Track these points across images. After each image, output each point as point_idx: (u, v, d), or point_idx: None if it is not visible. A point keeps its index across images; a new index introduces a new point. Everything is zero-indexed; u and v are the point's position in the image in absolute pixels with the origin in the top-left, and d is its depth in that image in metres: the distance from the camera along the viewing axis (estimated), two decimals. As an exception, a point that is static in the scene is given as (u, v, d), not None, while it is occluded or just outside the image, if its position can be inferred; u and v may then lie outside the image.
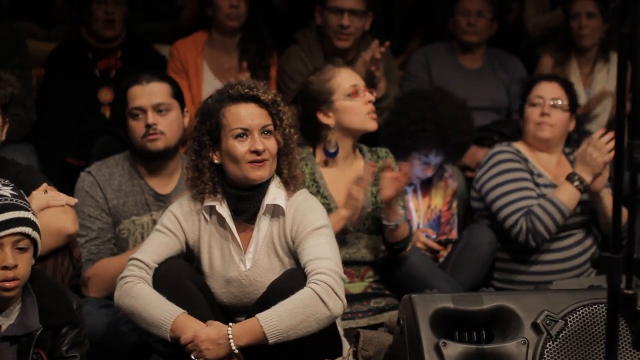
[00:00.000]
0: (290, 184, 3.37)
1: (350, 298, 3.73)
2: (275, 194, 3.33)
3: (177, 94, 3.86)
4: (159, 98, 3.77)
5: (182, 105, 3.88)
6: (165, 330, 3.11)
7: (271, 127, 3.31)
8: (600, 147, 4.12)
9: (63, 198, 3.37)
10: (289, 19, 5.52)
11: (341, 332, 3.40)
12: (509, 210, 4.23)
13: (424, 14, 5.92)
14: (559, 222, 4.19)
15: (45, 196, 3.34)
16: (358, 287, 3.90)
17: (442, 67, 5.23)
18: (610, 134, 4.14)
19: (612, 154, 4.07)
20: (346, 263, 3.72)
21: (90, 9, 4.73)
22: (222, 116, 3.29)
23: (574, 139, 4.52)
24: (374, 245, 3.91)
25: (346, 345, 3.38)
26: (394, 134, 4.32)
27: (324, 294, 3.08)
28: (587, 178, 4.17)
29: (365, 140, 4.05)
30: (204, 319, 3.13)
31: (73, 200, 3.41)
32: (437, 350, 2.95)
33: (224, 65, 4.91)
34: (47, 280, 3.04)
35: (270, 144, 3.29)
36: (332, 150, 3.86)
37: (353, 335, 3.47)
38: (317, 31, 5.00)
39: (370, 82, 4.43)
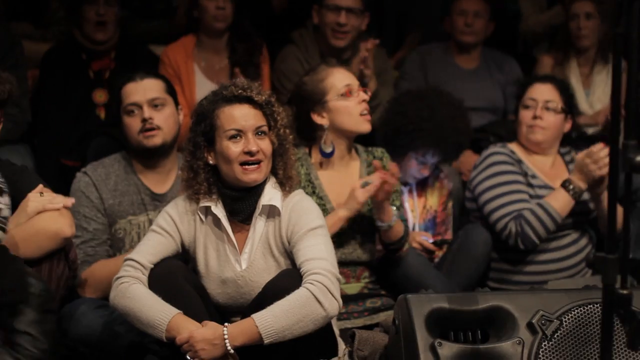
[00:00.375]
0: (286, 185, 3.37)
1: (346, 298, 3.73)
2: (270, 194, 3.33)
3: (171, 91, 3.88)
4: (154, 93, 3.79)
5: (176, 102, 3.89)
6: (161, 331, 3.11)
7: (265, 128, 3.31)
8: (597, 160, 4.12)
9: (60, 200, 3.37)
10: (285, 19, 5.52)
11: (337, 332, 3.40)
12: (500, 214, 4.24)
13: (419, 13, 5.93)
14: (549, 228, 4.19)
15: (41, 199, 3.34)
16: (354, 288, 3.90)
17: (438, 67, 5.24)
18: (607, 150, 4.13)
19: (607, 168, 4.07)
20: (342, 263, 3.72)
21: (81, 10, 4.72)
22: (216, 117, 3.29)
23: (573, 138, 4.52)
24: (370, 245, 3.91)
25: (342, 346, 3.39)
26: (391, 134, 4.32)
27: (320, 294, 3.08)
28: (582, 185, 4.17)
29: (362, 140, 4.05)
30: (199, 320, 3.13)
31: (70, 201, 3.41)
32: (433, 350, 2.95)
33: (214, 67, 4.91)
34: (8, 261, 3.05)
35: (264, 145, 3.29)
36: (328, 151, 3.86)
37: (349, 335, 3.48)
38: (313, 31, 5.01)
39: (361, 82, 4.44)
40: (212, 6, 4.84)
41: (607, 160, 4.10)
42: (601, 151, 4.12)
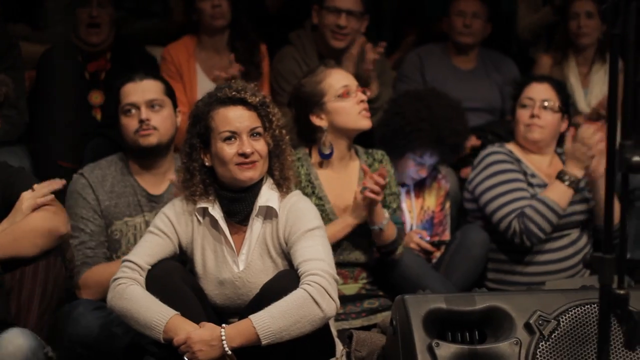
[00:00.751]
0: (283, 186, 3.37)
1: (344, 299, 3.73)
2: (267, 195, 3.34)
3: (170, 93, 3.88)
4: (152, 94, 3.79)
5: (175, 105, 3.89)
6: (159, 332, 3.11)
7: (260, 129, 3.31)
8: (587, 141, 4.15)
9: (47, 186, 3.37)
10: (282, 19, 5.52)
11: (334, 333, 3.40)
12: (503, 213, 4.24)
13: (416, 14, 5.93)
14: (552, 221, 4.19)
15: (33, 195, 3.34)
16: (352, 289, 3.90)
17: (435, 68, 5.24)
18: (595, 127, 4.16)
19: (602, 144, 4.11)
20: (340, 265, 3.73)
21: (75, 12, 4.72)
22: (211, 119, 3.30)
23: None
24: (368, 247, 3.91)
25: (339, 346, 3.39)
26: (389, 135, 4.32)
27: (317, 295, 3.08)
28: (578, 174, 4.19)
29: (360, 142, 4.05)
30: (197, 321, 3.13)
31: (60, 183, 3.42)
32: (430, 350, 2.95)
33: (216, 66, 4.91)
34: None
35: (259, 146, 3.29)
36: (326, 152, 3.87)
37: (346, 336, 3.48)
38: (311, 32, 5.01)
39: (364, 83, 4.44)
40: (208, 6, 4.85)
41: (595, 137, 4.13)
42: (586, 131, 4.15)
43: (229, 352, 3.07)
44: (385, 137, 4.33)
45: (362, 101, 3.86)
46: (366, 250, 3.91)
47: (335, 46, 4.89)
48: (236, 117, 3.29)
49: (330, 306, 3.11)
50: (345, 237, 3.81)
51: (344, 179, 3.91)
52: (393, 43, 5.80)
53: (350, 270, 3.90)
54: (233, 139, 3.28)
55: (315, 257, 3.18)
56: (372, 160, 3.98)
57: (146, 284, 3.23)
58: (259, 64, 4.93)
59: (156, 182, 3.84)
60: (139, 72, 3.87)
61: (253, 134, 3.30)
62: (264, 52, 5.00)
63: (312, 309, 3.07)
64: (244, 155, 3.26)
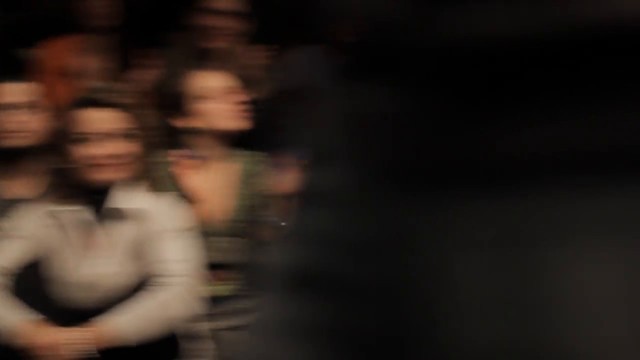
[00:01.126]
0: (148, 187, 3.36)
1: (216, 300, 3.71)
2: (132, 196, 3.31)
3: (39, 94, 3.83)
4: (19, 97, 3.75)
5: (44, 106, 3.85)
6: (17, 337, 3.07)
7: (123, 131, 3.29)
8: None
9: None
10: (159, 21, 5.49)
11: (205, 333, 3.40)
12: None
13: (300, 18, 5.96)
14: None
15: None
16: (224, 289, 3.88)
17: (316, 69, 5.26)
18: None
19: None
20: (212, 265, 3.70)
21: None
22: (74, 121, 3.28)
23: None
24: (240, 248, 3.89)
25: (209, 346, 3.38)
26: (264, 134, 4.33)
27: (175, 296, 3.09)
28: None
29: (238, 143, 4.04)
30: (56, 324, 3.10)
31: None
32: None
33: (97, 67, 4.87)
34: None
35: (120, 148, 3.27)
36: (194, 155, 3.84)
37: (216, 336, 3.48)
38: (189, 33, 4.98)
39: (246, 85, 4.45)
40: (93, 5, 4.81)
41: None
42: None
43: (88, 355, 3.04)
44: (259, 136, 4.33)
45: (234, 102, 3.85)
46: (238, 252, 3.89)
47: (213, 47, 4.87)
48: (97, 119, 3.27)
49: (188, 307, 3.12)
50: (214, 233, 3.79)
51: (216, 182, 3.89)
52: (276, 44, 5.82)
53: (222, 271, 3.88)
54: (91, 141, 3.25)
55: (176, 258, 3.19)
56: (253, 163, 3.97)
57: (4, 288, 3.18)
58: (140, 66, 4.90)
59: (21, 185, 3.78)
60: (9, 75, 3.83)
61: (114, 135, 3.28)
62: (146, 56, 4.97)
63: (170, 310, 3.07)
64: (102, 157, 3.24)
